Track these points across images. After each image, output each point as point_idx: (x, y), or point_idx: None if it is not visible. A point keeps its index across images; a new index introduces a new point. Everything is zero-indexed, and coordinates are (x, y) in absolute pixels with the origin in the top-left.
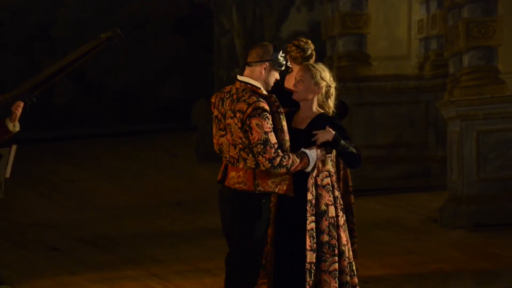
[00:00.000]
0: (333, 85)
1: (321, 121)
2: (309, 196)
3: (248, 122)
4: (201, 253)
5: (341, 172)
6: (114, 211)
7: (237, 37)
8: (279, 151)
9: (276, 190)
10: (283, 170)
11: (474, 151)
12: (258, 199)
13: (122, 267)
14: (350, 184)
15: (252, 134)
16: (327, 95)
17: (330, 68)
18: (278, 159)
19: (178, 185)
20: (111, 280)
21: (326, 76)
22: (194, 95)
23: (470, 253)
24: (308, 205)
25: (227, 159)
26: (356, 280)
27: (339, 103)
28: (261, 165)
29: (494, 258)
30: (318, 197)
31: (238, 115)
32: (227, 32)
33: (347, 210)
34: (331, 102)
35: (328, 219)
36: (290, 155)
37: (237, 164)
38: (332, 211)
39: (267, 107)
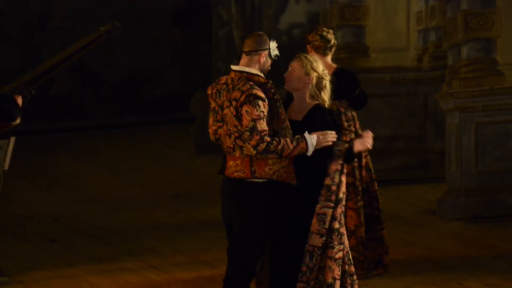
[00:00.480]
0: (327, 77)
1: (318, 112)
2: (328, 181)
3: (240, 109)
4: (200, 245)
5: (363, 160)
6: (113, 203)
7: (236, 28)
8: (266, 137)
9: (275, 177)
10: (273, 155)
11: (473, 143)
12: (257, 186)
13: (121, 259)
14: (373, 171)
15: (242, 121)
16: (318, 86)
17: None
18: (263, 145)
19: (177, 177)
20: (110, 272)
21: (318, 67)
22: (193, 86)
23: (468, 245)
24: (325, 189)
25: (225, 149)
26: (353, 269)
27: (360, 93)
28: (248, 152)
29: (492, 249)
30: (339, 184)
31: (233, 103)
32: (225, 24)
33: (372, 197)
34: (325, 95)
35: (341, 207)
36: (282, 140)
37: (233, 153)
38: (344, 199)
39: (261, 94)
